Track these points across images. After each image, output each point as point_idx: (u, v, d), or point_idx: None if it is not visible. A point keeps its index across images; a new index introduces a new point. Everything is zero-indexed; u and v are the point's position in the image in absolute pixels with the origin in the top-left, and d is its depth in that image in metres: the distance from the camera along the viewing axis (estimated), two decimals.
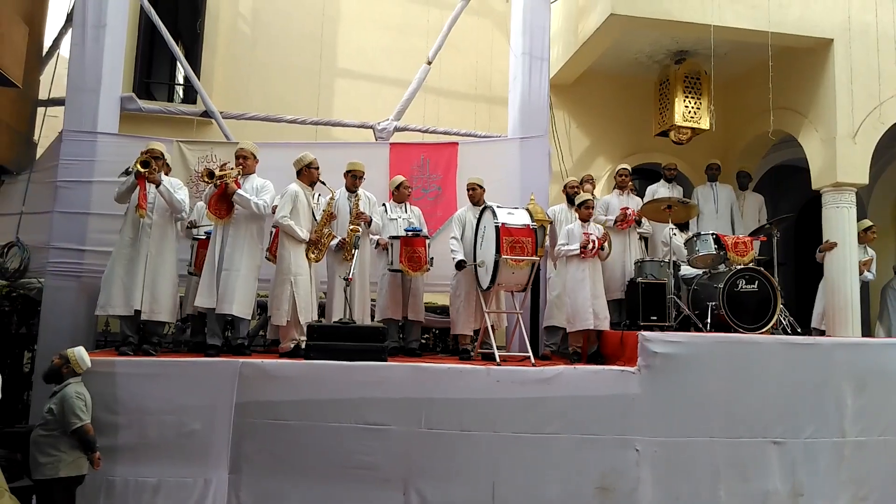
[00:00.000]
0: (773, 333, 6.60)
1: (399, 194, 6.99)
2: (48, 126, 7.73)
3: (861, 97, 7.90)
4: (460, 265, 6.37)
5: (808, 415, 5.91)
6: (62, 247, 6.84)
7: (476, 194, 6.74)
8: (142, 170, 5.63)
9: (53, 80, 7.68)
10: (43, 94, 7.77)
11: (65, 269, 6.82)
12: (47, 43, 7.99)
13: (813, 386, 5.99)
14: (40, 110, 7.77)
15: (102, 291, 5.76)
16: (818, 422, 5.92)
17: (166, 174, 5.99)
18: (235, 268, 5.81)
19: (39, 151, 7.61)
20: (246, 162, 6.02)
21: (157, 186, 5.74)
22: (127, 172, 6.02)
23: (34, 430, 4.59)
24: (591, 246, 6.34)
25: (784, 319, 7.08)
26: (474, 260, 6.35)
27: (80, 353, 4.79)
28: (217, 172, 5.79)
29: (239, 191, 5.81)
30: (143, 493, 5.00)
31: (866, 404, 6.05)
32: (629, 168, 7.97)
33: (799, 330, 7.30)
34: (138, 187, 5.67)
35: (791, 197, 10.94)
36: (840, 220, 7.89)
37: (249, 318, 6.12)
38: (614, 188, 7.91)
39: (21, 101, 7.21)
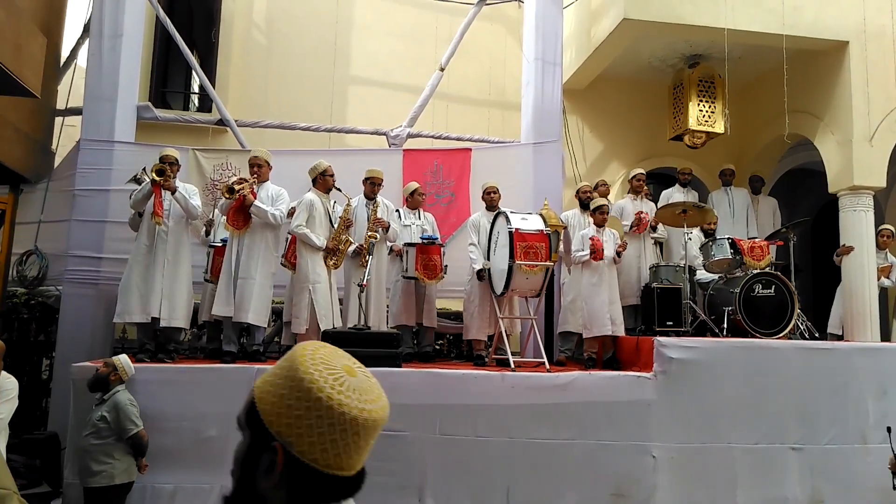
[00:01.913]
0: (790, 338, 6.55)
1: (413, 201, 7.01)
2: (66, 135, 7.83)
3: (877, 100, 7.83)
4: (480, 275, 6.36)
5: (827, 420, 5.84)
6: (80, 255, 6.91)
7: (494, 198, 6.75)
8: (157, 178, 5.69)
9: (71, 90, 7.78)
10: (61, 104, 7.87)
11: (82, 277, 6.88)
12: (65, 53, 8.10)
13: (832, 391, 5.92)
14: (58, 120, 7.87)
15: (120, 299, 5.81)
16: (838, 428, 5.85)
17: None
18: (251, 276, 5.83)
19: (57, 160, 7.70)
20: (260, 170, 6.04)
21: (173, 193, 5.80)
22: (134, 179, 6.09)
23: (83, 438, 4.59)
24: (597, 250, 6.32)
25: (801, 324, 7.02)
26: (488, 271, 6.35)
27: (126, 361, 4.86)
28: (236, 187, 5.81)
29: (256, 202, 5.83)
30: (160, 500, 5.03)
31: (888, 410, 5.96)
32: (645, 173, 7.95)
33: (817, 335, 7.23)
34: (154, 194, 5.72)
35: (807, 201, 10.85)
36: (857, 224, 7.81)
37: (265, 325, 6.15)
38: (629, 192, 7.89)
39: (39, 110, 7.30)
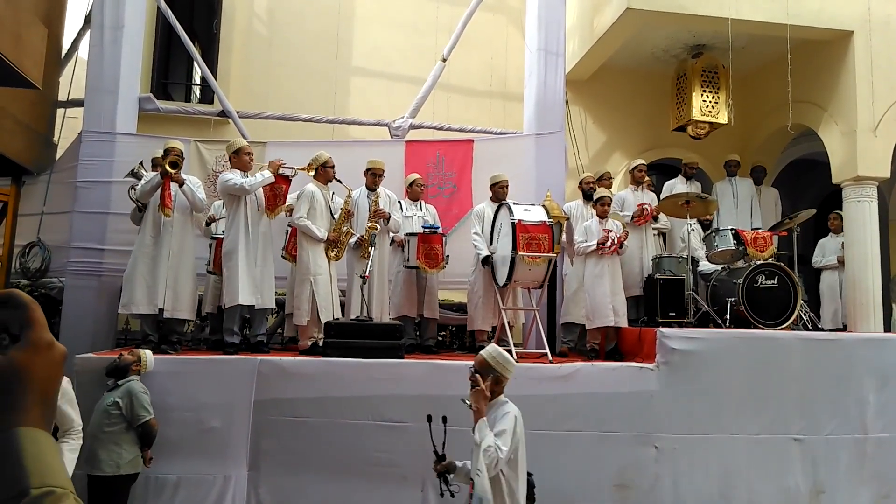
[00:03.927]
0: (793, 329, 6.53)
1: (412, 192, 7.00)
2: (67, 127, 7.82)
3: (882, 90, 7.79)
4: (486, 261, 6.37)
5: (829, 411, 5.84)
6: (82, 246, 6.92)
7: (504, 192, 6.72)
8: (171, 171, 5.70)
9: (72, 82, 7.76)
10: (62, 96, 7.86)
11: (85, 269, 6.89)
12: (66, 45, 8.08)
13: (834, 382, 5.92)
14: (60, 111, 7.86)
15: (125, 290, 5.82)
16: (839, 418, 5.85)
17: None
18: (268, 263, 5.94)
19: (59, 152, 7.70)
20: (252, 158, 6.10)
21: (181, 186, 5.80)
22: (132, 174, 6.09)
23: (92, 424, 4.61)
24: (609, 242, 6.30)
25: (804, 315, 7.00)
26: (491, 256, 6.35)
27: (151, 357, 4.97)
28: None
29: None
30: (164, 490, 5.05)
31: (889, 400, 5.97)
32: (645, 163, 7.92)
33: (820, 326, 7.22)
34: (161, 186, 5.73)
35: (811, 191, 10.82)
36: (861, 214, 7.79)
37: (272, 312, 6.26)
38: (631, 184, 7.87)
39: (41, 102, 7.29)
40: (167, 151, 5.87)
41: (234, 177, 5.85)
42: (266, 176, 5.85)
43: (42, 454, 0.80)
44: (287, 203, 6.27)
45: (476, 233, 6.56)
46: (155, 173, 5.88)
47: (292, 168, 6.02)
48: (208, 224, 6.72)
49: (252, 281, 5.81)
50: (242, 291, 5.76)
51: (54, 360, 0.88)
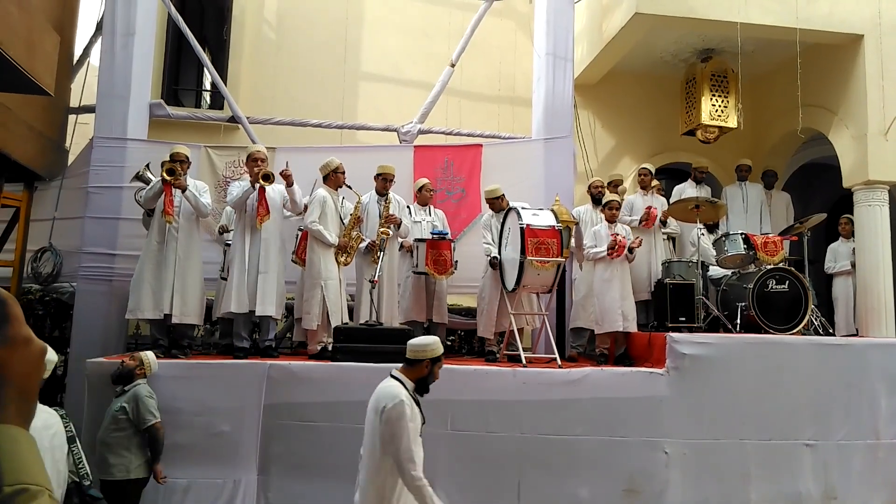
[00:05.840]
0: (804, 334, 6.50)
1: (422, 197, 7.01)
2: (79, 133, 7.88)
3: (892, 93, 7.74)
4: (493, 262, 6.37)
5: (840, 416, 5.81)
6: (94, 251, 6.96)
7: (498, 202, 6.69)
8: (167, 178, 5.72)
9: (84, 88, 7.82)
10: (74, 102, 7.92)
11: (96, 274, 6.93)
12: (78, 51, 8.15)
13: (845, 387, 5.88)
14: (71, 118, 7.92)
15: (131, 296, 5.85)
16: (851, 423, 5.81)
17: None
18: (272, 270, 5.90)
19: (71, 158, 7.75)
20: (265, 164, 6.08)
21: (184, 192, 5.83)
22: (137, 177, 6.13)
23: (102, 431, 4.65)
24: (617, 247, 6.29)
25: (815, 320, 6.97)
26: (500, 263, 6.34)
27: (153, 358, 4.95)
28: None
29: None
30: (174, 494, 5.07)
31: None
32: (650, 168, 7.88)
33: (831, 330, 7.17)
34: (164, 193, 5.76)
35: (821, 195, 10.75)
36: (872, 219, 7.74)
37: (279, 318, 6.22)
38: (639, 188, 7.85)
39: (53, 108, 7.35)
40: (171, 157, 5.91)
41: (231, 190, 6.08)
42: (245, 188, 5.89)
43: (17, 451, 0.79)
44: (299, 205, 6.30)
45: (487, 242, 6.58)
46: (158, 179, 5.91)
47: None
48: (221, 233, 6.75)
49: (244, 288, 5.82)
50: (236, 300, 5.81)
51: (32, 356, 0.86)
